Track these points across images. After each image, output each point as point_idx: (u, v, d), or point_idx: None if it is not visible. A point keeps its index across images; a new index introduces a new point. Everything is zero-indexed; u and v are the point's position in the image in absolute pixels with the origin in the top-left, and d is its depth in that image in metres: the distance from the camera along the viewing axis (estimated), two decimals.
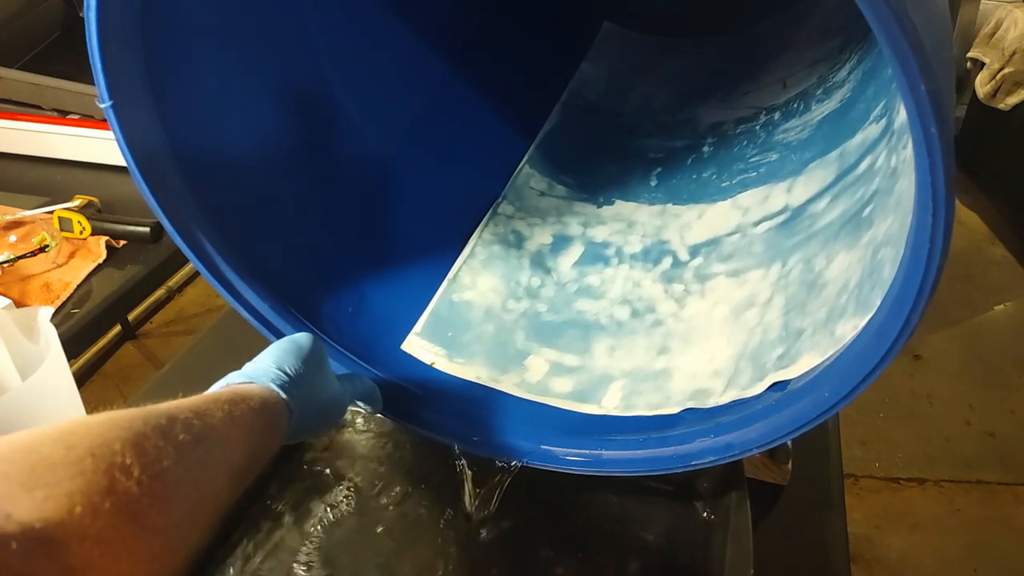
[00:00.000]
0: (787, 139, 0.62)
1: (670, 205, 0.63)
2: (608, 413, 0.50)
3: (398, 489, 0.55)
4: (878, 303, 0.37)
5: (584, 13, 0.79)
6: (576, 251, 0.62)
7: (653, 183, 0.66)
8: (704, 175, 0.65)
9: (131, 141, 0.44)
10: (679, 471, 0.45)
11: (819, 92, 0.63)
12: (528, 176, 0.67)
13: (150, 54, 0.44)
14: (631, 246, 0.61)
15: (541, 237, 0.63)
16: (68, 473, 0.25)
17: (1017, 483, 1.48)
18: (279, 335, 0.51)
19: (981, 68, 1.98)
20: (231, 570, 0.49)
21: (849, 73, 0.60)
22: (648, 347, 0.53)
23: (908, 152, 0.39)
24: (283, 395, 0.41)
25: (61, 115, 1.05)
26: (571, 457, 0.48)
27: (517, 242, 0.62)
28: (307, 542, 0.51)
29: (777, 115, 0.65)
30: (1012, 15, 1.92)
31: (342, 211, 0.59)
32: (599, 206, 0.65)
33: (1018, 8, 1.94)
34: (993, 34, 1.97)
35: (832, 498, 0.59)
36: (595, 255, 0.61)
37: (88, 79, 1.06)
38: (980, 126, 2.03)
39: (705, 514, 0.53)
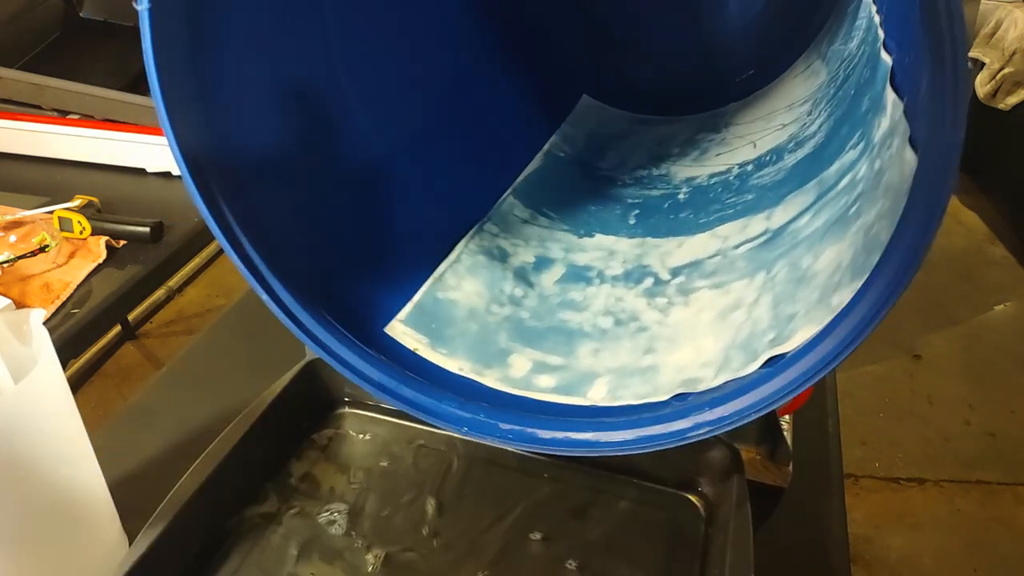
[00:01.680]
0: (762, 183, 0.64)
1: (649, 238, 0.65)
2: (594, 404, 0.50)
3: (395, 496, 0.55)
4: (875, 261, 0.36)
5: (565, 84, 0.84)
6: (558, 271, 0.63)
7: (632, 222, 0.68)
8: (681, 215, 0.67)
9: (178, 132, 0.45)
10: (673, 446, 0.44)
11: (790, 145, 0.65)
12: (512, 205, 0.69)
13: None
14: (612, 270, 0.62)
15: (524, 256, 0.64)
16: None
17: (1017, 483, 1.48)
18: (301, 326, 0.50)
19: (981, 68, 1.98)
20: None
21: (820, 127, 0.62)
22: (633, 348, 0.54)
23: (892, 150, 0.39)
24: None
25: (61, 115, 1.05)
26: (560, 438, 0.48)
27: (501, 256, 0.63)
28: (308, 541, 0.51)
29: (750, 167, 0.67)
30: (1012, 15, 1.92)
31: (342, 206, 0.59)
32: (580, 237, 0.67)
33: (1018, 8, 1.94)
34: (993, 34, 1.97)
35: (832, 499, 0.59)
36: (577, 275, 0.62)
37: (88, 79, 1.06)
38: (980, 126, 2.03)
39: (705, 517, 0.53)
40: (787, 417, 0.60)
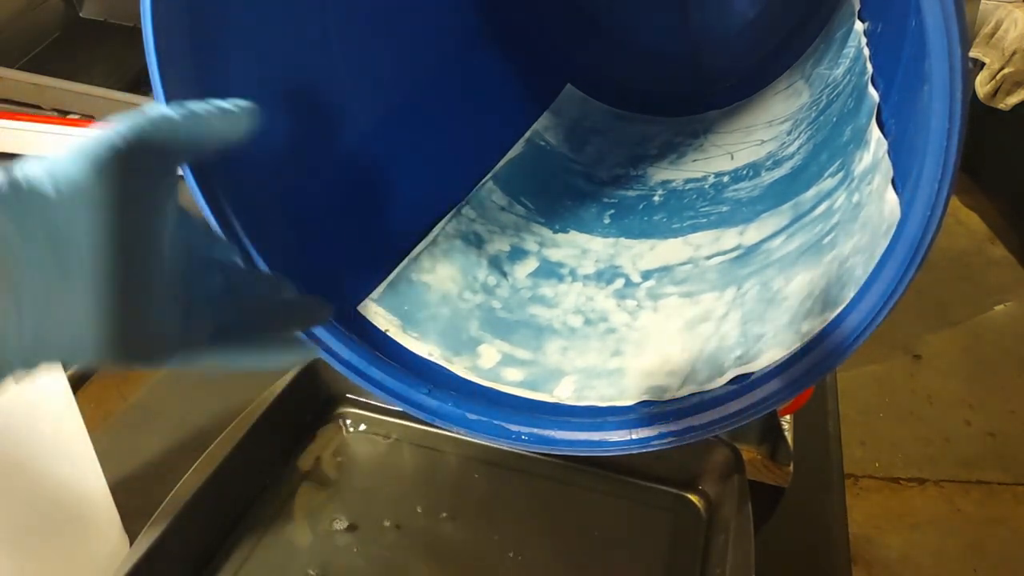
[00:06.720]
0: (737, 196, 0.64)
1: (622, 239, 0.65)
2: (560, 402, 0.50)
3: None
4: (850, 296, 0.37)
5: (550, 71, 0.84)
6: (532, 264, 0.63)
7: (607, 221, 0.69)
8: (655, 218, 0.67)
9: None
10: (636, 452, 0.45)
11: (768, 163, 0.65)
12: (491, 191, 0.69)
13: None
14: (584, 269, 0.63)
15: (499, 244, 0.65)
16: None
17: (1017, 483, 1.48)
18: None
19: (981, 68, 1.99)
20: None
21: (798, 149, 0.62)
22: (601, 349, 0.54)
23: (873, 187, 0.40)
24: None
25: (61, 115, 1.05)
26: (523, 433, 0.48)
27: (477, 242, 0.64)
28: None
29: (727, 179, 0.68)
30: (1012, 15, 1.92)
31: (328, 185, 0.59)
32: (555, 232, 0.68)
33: (1018, 8, 1.94)
34: (993, 34, 1.97)
35: (833, 499, 0.59)
36: (549, 271, 0.63)
37: (88, 79, 1.06)
38: (980, 126, 2.04)
39: (706, 517, 0.53)
40: (788, 417, 0.60)
